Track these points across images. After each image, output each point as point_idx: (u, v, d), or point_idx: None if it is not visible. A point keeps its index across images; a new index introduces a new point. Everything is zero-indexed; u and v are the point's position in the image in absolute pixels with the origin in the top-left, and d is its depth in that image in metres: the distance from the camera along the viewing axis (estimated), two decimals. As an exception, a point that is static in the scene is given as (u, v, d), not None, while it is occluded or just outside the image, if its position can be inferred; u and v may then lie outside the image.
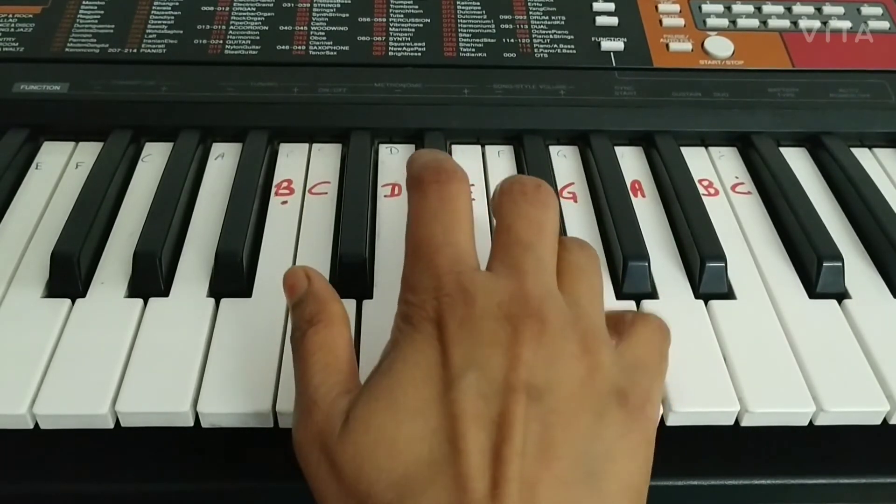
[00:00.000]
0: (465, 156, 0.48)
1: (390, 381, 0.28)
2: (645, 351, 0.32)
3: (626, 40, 0.53)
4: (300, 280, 0.33)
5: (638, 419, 0.28)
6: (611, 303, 0.40)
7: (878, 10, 0.56)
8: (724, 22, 0.55)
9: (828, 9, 0.56)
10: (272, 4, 0.54)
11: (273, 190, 0.45)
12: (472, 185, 0.45)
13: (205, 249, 0.41)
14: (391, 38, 0.53)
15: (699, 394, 0.35)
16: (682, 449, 0.35)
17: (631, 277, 0.40)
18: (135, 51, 0.51)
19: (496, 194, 0.33)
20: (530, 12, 0.55)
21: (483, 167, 0.48)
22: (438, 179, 0.32)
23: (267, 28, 0.53)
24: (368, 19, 0.54)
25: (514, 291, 0.29)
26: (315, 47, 0.52)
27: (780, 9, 0.56)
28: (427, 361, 0.28)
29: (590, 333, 0.29)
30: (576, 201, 0.46)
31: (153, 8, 0.54)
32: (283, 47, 0.52)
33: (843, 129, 0.50)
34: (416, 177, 0.33)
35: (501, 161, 0.48)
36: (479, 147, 0.49)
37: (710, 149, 0.50)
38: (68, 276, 0.39)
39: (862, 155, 0.49)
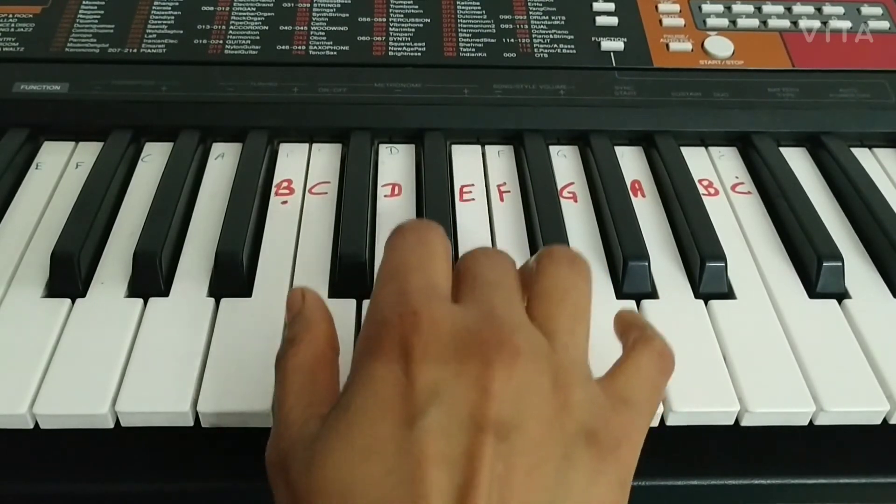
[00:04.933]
0: (465, 156, 0.48)
1: (347, 416, 0.26)
2: (636, 383, 0.30)
3: (626, 40, 0.53)
4: (296, 300, 0.32)
5: (607, 460, 0.26)
6: (611, 303, 0.40)
7: (878, 10, 0.56)
8: (724, 22, 0.55)
9: (828, 9, 0.56)
10: (272, 4, 0.54)
11: (273, 190, 0.45)
12: (472, 184, 0.46)
13: (205, 249, 0.41)
14: (391, 38, 0.53)
15: (699, 394, 0.35)
16: (682, 449, 0.35)
17: (631, 277, 0.40)
18: (135, 51, 0.51)
19: (457, 262, 0.32)
20: (530, 12, 0.55)
21: (483, 167, 0.48)
22: (419, 227, 0.32)
23: (267, 28, 0.53)
24: (368, 19, 0.54)
25: (485, 318, 0.27)
26: (315, 47, 0.52)
27: (780, 9, 0.56)
28: (387, 393, 0.26)
29: (563, 368, 0.28)
30: (576, 201, 0.46)
31: (153, 8, 0.54)
32: (283, 47, 0.52)
33: (843, 129, 0.50)
34: (397, 227, 0.32)
35: (501, 161, 0.48)
36: (479, 147, 0.49)
37: (710, 149, 0.50)
38: (68, 275, 0.39)
39: (862, 155, 0.49)
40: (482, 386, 0.26)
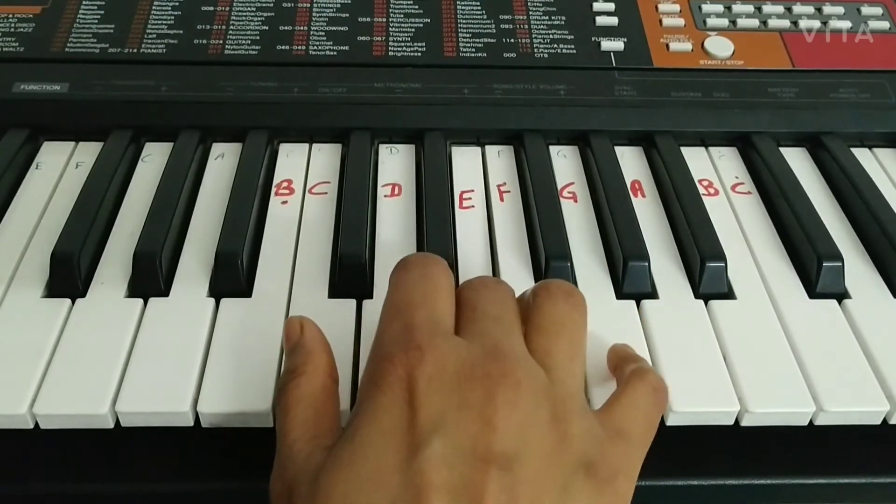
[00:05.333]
0: (465, 156, 0.48)
1: (353, 447, 0.27)
2: (632, 417, 0.31)
3: (626, 40, 0.53)
4: (294, 329, 0.33)
5: (605, 492, 0.27)
6: (611, 303, 0.40)
7: (878, 10, 0.56)
8: (724, 22, 0.55)
9: (828, 9, 0.56)
10: (272, 4, 0.54)
11: (273, 190, 0.45)
12: (472, 190, 0.46)
13: (205, 249, 0.41)
14: (391, 38, 0.53)
15: (699, 394, 0.35)
16: (682, 449, 0.35)
17: (631, 277, 0.40)
18: (135, 51, 0.51)
19: (458, 291, 0.33)
20: (530, 12, 0.55)
21: (483, 167, 0.48)
22: (423, 262, 0.33)
23: (267, 28, 0.53)
24: (368, 19, 0.54)
25: (488, 353, 0.28)
26: (315, 47, 0.52)
27: (780, 9, 0.56)
28: (392, 424, 0.27)
29: (561, 400, 0.28)
30: (576, 201, 0.46)
31: (153, 8, 0.54)
32: (283, 47, 0.52)
33: (843, 129, 0.50)
34: (401, 261, 0.33)
35: (501, 161, 0.48)
36: (478, 148, 0.49)
37: (710, 149, 0.50)
38: (68, 276, 0.39)
39: (862, 155, 0.49)
40: (485, 418, 0.26)
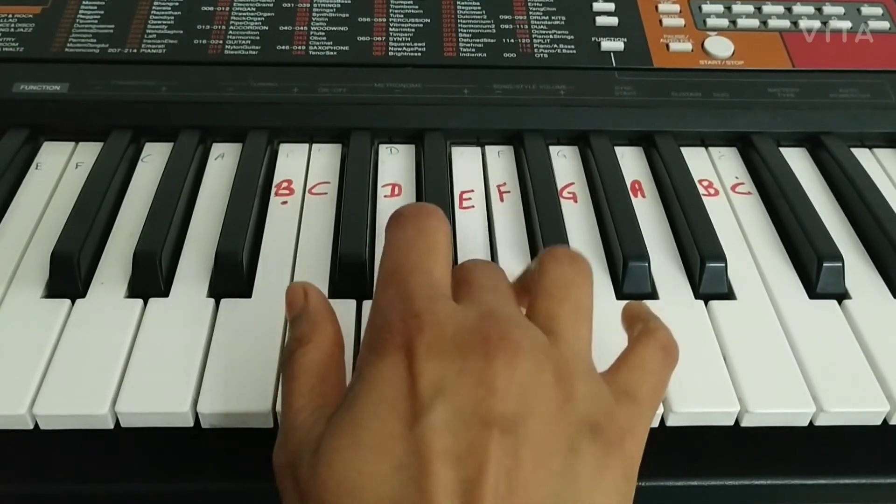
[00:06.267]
0: (465, 156, 0.48)
1: (353, 415, 0.26)
2: (639, 377, 0.30)
3: (626, 40, 0.53)
4: (298, 297, 0.32)
5: (613, 453, 0.27)
6: (611, 303, 0.40)
7: (878, 10, 0.56)
8: (724, 22, 0.55)
9: (828, 9, 0.56)
10: (272, 4, 0.54)
11: (273, 190, 0.45)
12: (472, 190, 0.46)
13: (205, 249, 0.41)
14: (391, 38, 0.53)
15: (699, 394, 0.35)
16: (682, 449, 0.35)
17: (631, 277, 0.40)
18: (135, 51, 0.51)
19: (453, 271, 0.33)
20: (530, 12, 0.55)
21: (483, 167, 0.48)
22: (417, 214, 0.32)
23: (267, 28, 0.53)
24: (368, 19, 0.54)
25: (485, 317, 0.28)
26: (315, 47, 0.52)
27: (780, 9, 0.56)
28: (392, 392, 0.26)
29: (565, 362, 0.28)
30: (576, 201, 0.46)
31: (153, 8, 0.54)
32: (283, 47, 0.52)
33: (843, 129, 0.50)
34: (395, 215, 0.32)
35: (501, 161, 0.48)
36: (479, 147, 0.49)
37: (710, 149, 0.50)
38: (68, 276, 0.39)
39: (862, 155, 0.49)
40: (485, 382, 0.26)
